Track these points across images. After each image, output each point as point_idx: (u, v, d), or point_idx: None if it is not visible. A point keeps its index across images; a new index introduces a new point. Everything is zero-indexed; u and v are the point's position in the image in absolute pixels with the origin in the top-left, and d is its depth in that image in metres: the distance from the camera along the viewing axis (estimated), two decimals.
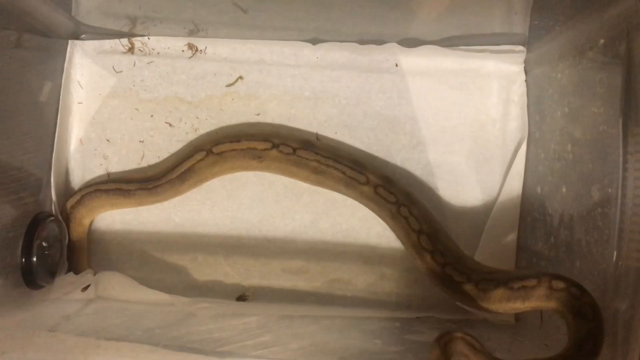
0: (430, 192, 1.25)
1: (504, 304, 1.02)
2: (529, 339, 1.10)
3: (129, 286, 1.20)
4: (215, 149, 1.19)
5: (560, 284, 0.95)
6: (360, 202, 1.21)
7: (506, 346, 1.08)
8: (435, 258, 1.11)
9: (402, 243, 1.19)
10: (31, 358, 0.89)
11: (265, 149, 1.19)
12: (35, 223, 1.13)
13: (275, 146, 1.18)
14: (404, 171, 1.25)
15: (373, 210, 1.20)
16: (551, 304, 0.96)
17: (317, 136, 1.26)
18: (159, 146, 1.27)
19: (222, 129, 1.27)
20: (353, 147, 1.26)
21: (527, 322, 1.16)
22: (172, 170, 1.21)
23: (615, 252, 0.86)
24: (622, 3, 0.87)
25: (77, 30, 1.26)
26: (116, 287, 1.19)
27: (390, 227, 1.19)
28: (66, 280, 1.18)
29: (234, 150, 1.19)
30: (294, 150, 1.18)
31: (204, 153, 1.20)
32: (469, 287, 1.06)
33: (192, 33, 1.26)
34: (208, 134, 1.27)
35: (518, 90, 1.24)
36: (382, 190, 1.16)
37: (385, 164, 1.25)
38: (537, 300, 0.98)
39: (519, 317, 1.20)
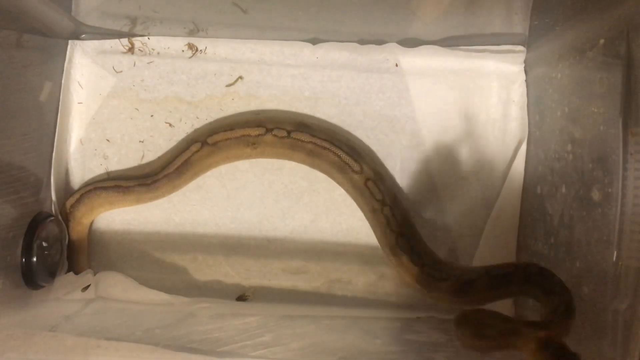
0: (430, 192, 1.25)
1: (485, 294, 1.07)
2: None
3: (129, 286, 1.20)
4: (210, 140, 1.19)
5: (534, 269, 1.03)
6: (346, 190, 1.21)
7: None
8: (413, 259, 1.13)
9: (377, 239, 1.20)
10: (31, 358, 0.89)
11: (259, 135, 1.18)
12: (35, 223, 1.13)
13: (269, 131, 1.18)
14: (405, 171, 1.25)
15: (356, 201, 1.21)
16: (527, 288, 1.03)
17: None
18: (159, 146, 1.27)
19: (215, 120, 1.27)
20: (349, 132, 1.25)
21: None
22: (169, 165, 1.21)
23: (615, 252, 0.86)
24: (622, 3, 0.87)
25: (77, 30, 1.26)
26: (116, 287, 1.19)
27: (369, 221, 1.20)
28: (66, 280, 1.18)
29: (228, 139, 1.19)
30: (289, 133, 1.18)
31: (199, 145, 1.20)
32: (448, 284, 1.10)
33: (192, 33, 1.26)
34: (202, 126, 1.27)
35: (518, 90, 1.24)
36: (372, 185, 1.17)
37: (379, 160, 1.25)
38: (516, 285, 1.04)
39: (519, 317, 1.19)
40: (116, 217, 1.27)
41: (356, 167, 1.17)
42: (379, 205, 1.16)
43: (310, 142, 1.18)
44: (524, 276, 1.03)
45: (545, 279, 1.00)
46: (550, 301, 0.96)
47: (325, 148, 1.17)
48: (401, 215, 1.16)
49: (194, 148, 1.20)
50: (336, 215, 1.26)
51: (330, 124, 1.25)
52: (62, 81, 1.24)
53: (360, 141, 1.25)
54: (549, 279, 0.99)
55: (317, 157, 1.19)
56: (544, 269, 1.02)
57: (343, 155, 1.17)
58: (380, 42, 1.25)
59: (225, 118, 1.26)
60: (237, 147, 1.20)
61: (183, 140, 1.26)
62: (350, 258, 1.26)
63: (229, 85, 1.27)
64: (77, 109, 1.27)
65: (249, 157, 1.22)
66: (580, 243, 0.97)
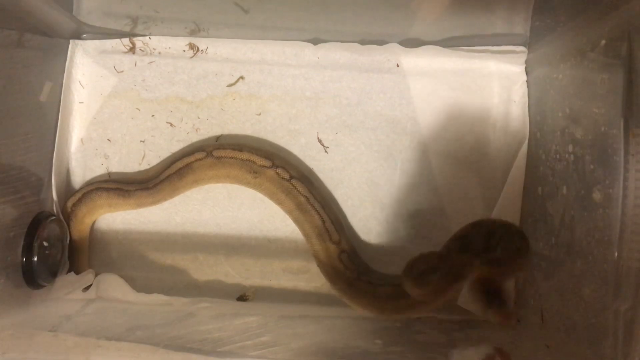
0: (431, 193, 1.25)
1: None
2: (529, 339, 1.10)
3: (128, 291, 1.20)
4: (215, 153, 1.20)
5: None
6: (320, 260, 1.20)
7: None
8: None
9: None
10: (32, 358, 0.89)
11: (263, 166, 1.19)
12: (37, 223, 1.13)
13: (274, 166, 1.19)
14: (405, 171, 1.25)
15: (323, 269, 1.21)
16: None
17: (319, 138, 1.26)
18: (160, 146, 1.28)
19: (225, 136, 1.27)
20: (342, 210, 1.25)
21: (528, 323, 1.16)
22: (171, 166, 1.21)
23: (616, 253, 0.86)
24: (624, 4, 0.87)
25: (78, 29, 1.27)
26: (117, 289, 1.20)
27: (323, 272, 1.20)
28: (67, 280, 1.18)
29: (233, 158, 1.19)
30: (290, 177, 1.19)
31: (204, 153, 1.20)
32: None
33: (193, 33, 1.27)
34: (212, 139, 1.27)
35: (519, 90, 1.24)
36: (346, 258, 1.17)
37: (355, 235, 1.25)
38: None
39: (519, 317, 1.19)
40: (117, 217, 1.27)
41: (335, 237, 1.18)
42: (354, 275, 1.17)
43: (305, 196, 1.18)
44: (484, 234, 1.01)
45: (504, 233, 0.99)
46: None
47: (314, 209, 1.18)
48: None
49: (198, 155, 1.20)
50: None
51: (329, 192, 1.25)
52: (64, 81, 1.24)
53: (346, 218, 1.25)
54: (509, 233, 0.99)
55: (304, 213, 1.19)
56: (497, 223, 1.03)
57: (327, 223, 1.18)
58: (381, 42, 1.25)
59: (244, 137, 1.27)
60: (239, 170, 1.20)
61: (190, 145, 1.27)
62: None
63: (230, 85, 1.27)
64: (78, 108, 1.27)
65: (248, 184, 1.22)
66: (581, 243, 0.97)
